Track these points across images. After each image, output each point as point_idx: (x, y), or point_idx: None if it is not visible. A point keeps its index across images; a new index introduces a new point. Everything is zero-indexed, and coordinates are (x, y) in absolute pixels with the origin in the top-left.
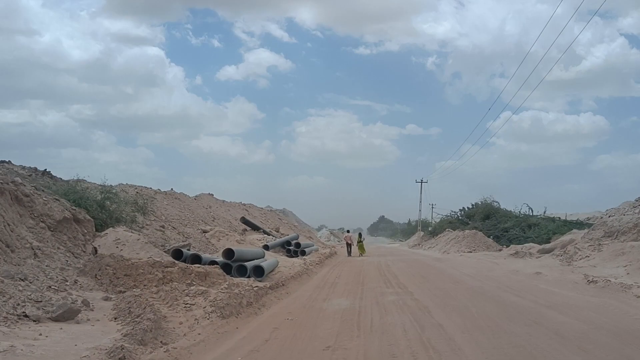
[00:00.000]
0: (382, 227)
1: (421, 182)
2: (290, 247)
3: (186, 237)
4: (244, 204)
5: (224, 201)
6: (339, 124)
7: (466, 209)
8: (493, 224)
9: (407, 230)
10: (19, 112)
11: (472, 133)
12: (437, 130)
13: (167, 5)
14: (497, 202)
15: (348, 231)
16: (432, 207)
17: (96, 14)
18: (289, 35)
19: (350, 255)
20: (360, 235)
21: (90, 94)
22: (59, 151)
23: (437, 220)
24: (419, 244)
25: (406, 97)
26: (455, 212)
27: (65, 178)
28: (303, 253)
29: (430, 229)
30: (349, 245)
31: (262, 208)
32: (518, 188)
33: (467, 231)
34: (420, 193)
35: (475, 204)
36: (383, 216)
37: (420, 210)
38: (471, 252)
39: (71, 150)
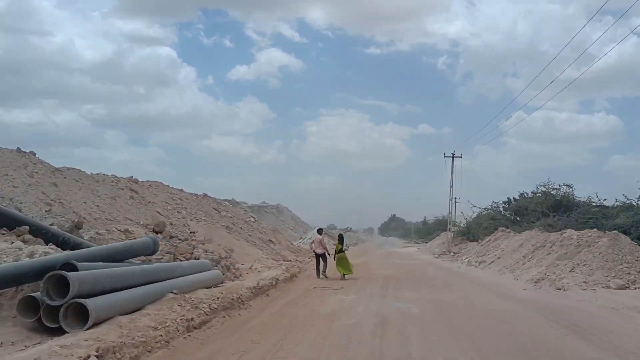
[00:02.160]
0: (394, 226)
1: (452, 157)
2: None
3: None
4: (134, 179)
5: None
6: (350, 124)
7: (512, 199)
8: (587, 218)
9: (423, 230)
10: (32, 111)
11: (484, 133)
12: (448, 130)
13: (179, 6)
14: (570, 185)
15: (320, 231)
16: (456, 202)
17: (108, 14)
18: (300, 35)
19: (323, 276)
20: (341, 239)
21: (102, 94)
22: (71, 150)
23: (466, 216)
24: (448, 251)
25: (418, 97)
26: (496, 203)
27: None
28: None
29: (461, 226)
30: (319, 258)
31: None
32: (530, 188)
33: (576, 234)
34: (452, 173)
35: (522, 194)
36: (394, 215)
37: (452, 200)
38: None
39: (84, 150)
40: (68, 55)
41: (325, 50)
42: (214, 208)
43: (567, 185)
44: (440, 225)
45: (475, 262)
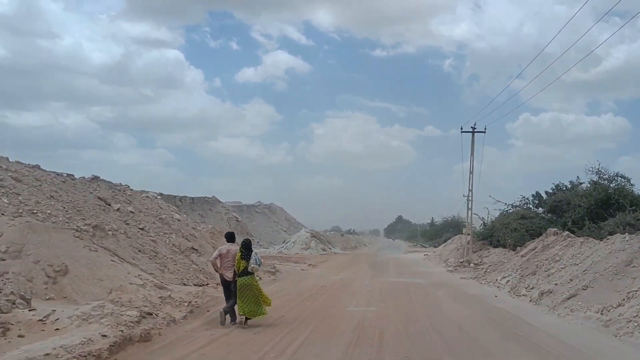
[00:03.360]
0: (400, 228)
1: (472, 132)
2: None
3: None
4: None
5: None
6: (357, 126)
7: (543, 195)
8: None
9: (430, 233)
10: (40, 114)
11: (491, 135)
12: (455, 132)
13: (186, 8)
14: (626, 177)
15: (230, 237)
16: (468, 201)
17: (116, 17)
18: (306, 38)
19: (237, 322)
20: (245, 247)
21: (110, 96)
22: (79, 152)
23: (481, 216)
24: (467, 261)
25: (424, 98)
26: (525, 198)
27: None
28: None
29: (479, 228)
30: (226, 284)
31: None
32: (535, 189)
33: None
34: (471, 154)
35: (557, 185)
36: (400, 216)
37: (471, 191)
38: None
39: (92, 152)
40: (76, 58)
41: (331, 52)
42: (98, 197)
43: (622, 176)
44: (450, 227)
45: (526, 289)
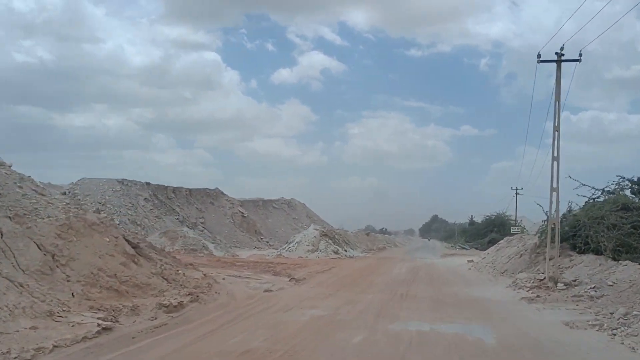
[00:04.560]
0: (436, 227)
1: (558, 62)
2: None
3: None
4: None
5: None
6: (392, 126)
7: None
8: None
9: (470, 233)
10: (84, 115)
11: (529, 134)
12: (492, 132)
13: (224, 11)
14: None
15: None
16: (517, 194)
17: (155, 21)
18: (341, 38)
19: None
20: None
21: (150, 98)
22: (121, 153)
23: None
24: (554, 283)
25: (460, 98)
26: (623, 179)
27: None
28: None
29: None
30: None
31: None
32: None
33: None
34: (556, 100)
35: None
36: (436, 215)
37: (556, 159)
38: None
39: (133, 152)
40: (118, 62)
41: (366, 52)
42: None
43: None
44: (493, 226)
45: None
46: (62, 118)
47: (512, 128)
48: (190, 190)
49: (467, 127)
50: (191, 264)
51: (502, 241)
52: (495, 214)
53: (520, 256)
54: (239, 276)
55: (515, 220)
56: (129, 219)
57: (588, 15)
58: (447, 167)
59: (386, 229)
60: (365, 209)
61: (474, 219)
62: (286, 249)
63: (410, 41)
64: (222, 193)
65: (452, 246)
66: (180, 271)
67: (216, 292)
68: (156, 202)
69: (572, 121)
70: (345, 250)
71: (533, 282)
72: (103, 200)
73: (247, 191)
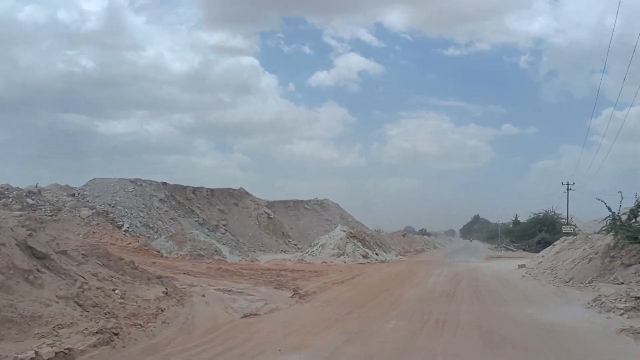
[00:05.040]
0: (477, 228)
1: None
2: None
3: None
4: None
5: None
6: (431, 126)
7: None
8: None
9: (517, 232)
10: (126, 121)
11: (572, 132)
12: (533, 130)
13: (261, 15)
14: None
15: None
16: (568, 189)
17: (194, 28)
18: (378, 40)
19: None
20: None
21: (190, 103)
22: (162, 158)
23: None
24: None
25: (500, 97)
26: None
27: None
28: None
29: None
30: None
31: None
32: (628, 191)
33: None
34: None
35: None
36: (478, 216)
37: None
38: None
39: (174, 157)
40: (158, 68)
41: (403, 53)
42: None
43: None
44: (540, 224)
45: None
46: (105, 125)
47: (554, 126)
48: (212, 190)
49: (508, 126)
50: (160, 277)
51: (558, 242)
52: (543, 213)
53: (589, 261)
54: (230, 290)
55: (567, 218)
56: (140, 222)
57: (634, 9)
58: (487, 167)
59: (425, 230)
60: (404, 211)
61: (518, 219)
62: (309, 252)
63: (448, 40)
64: (247, 193)
65: (496, 247)
66: (117, 291)
67: (164, 323)
68: (173, 203)
69: (617, 118)
70: (377, 254)
71: (626, 301)
72: (113, 202)
73: (286, 194)
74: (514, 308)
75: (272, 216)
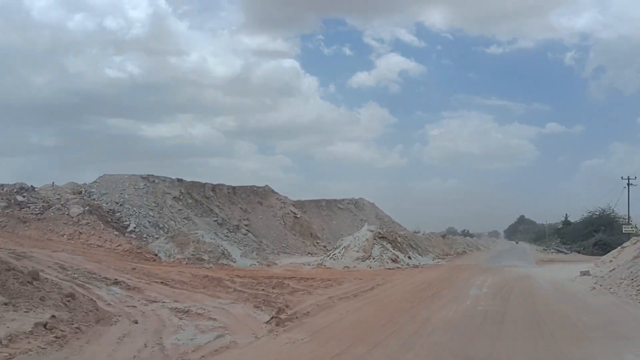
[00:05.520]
0: (522, 229)
1: None
2: None
3: None
4: None
5: None
6: (473, 125)
7: None
8: None
9: (569, 233)
10: (171, 125)
11: (621, 130)
12: (580, 128)
13: (301, 18)
14: None
15: None
16: (629, 184)
17: (236, 32)
18: (418, 40)
19: None
20: None
21: (232, 107)
22: (206, 160)
23: None
24: None
25: (545, 94)
26: None
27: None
28: None
29: None
30: None
31: None
32: None
33: None
34: None
35: None
36: (523, 216)
37: None
38: None
39: (217, 159)
40: (201, 72)
41: (444, 52)
42: None
43: None
44: (596, 224)
45: None
46: (151, 129)
47: (603, 124)
48: (233, 187)
49: (554, 125)
50: (70, 295)
51: (627, 243)
52: (600, 211)
53: None
54: (189, 311)
55: (628, 217)
56: (149, 221)
57: None
58: (532, 166)
59: (468, 231)
60: (446, 212)
61: (569, 219)
62: (331, 256)
63: (489, 38)
64: (273, 191)
65: (545, 249)
66: None
67: None
68: (190, 201)
69: None
70: (410, 257)
71: None
72: (121, 199)
73: (327, 196)
74: (602, 349)
75: (298, 215)
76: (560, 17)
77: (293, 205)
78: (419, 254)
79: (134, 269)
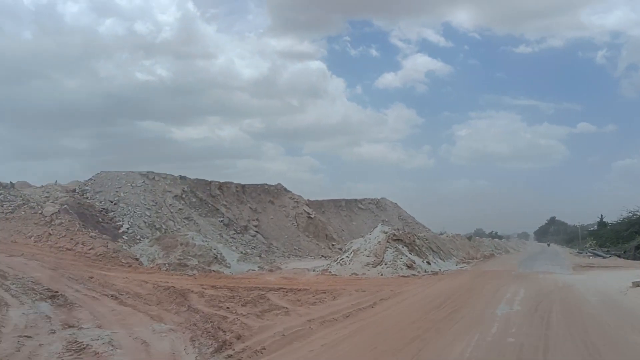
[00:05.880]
0: (553, 230)
1: None
2: None
3: None
4: None
5: None
6: (501, 126)
7: None
8: None
9: (606, 235)
10: (199, 128)
11: None
12: (612, 128)
13: (328, 20)
14: None
15: None
16: None
17: (263, 34)
18: (445, 40)
19: None
20: None
21: (259, 109)
22: (234, 162)
23: None
24: None
25: (575, 94)
26: None
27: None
28: None
29: None
30: None
31: None
32: None
33: None
34: None
35: None
36: (554, 217)
37: None
38: None
39: (245, 161)
40: (229, 75)
41: (472, 52)
42: None
43: None
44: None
45: None
46: (180, 131)
47: (636, 123)
48: (243, 186)
49: (585, 124)
50: None
51: None
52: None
53: None
54: (84, 348)
55: None
56: (145, 221)
57: None
58: (562, 167)
59: (496, 233)
60: (474, 213)
61: (604, 220)
62: (339, 261)
63: (518, 38)
64: (285, 190)
65: (580, 252)
66: None
67: None
68: (194, 200)
69: None
70: (429, 263)
71: None
72: (116, 198)
73: (356, 196)
74: None
75: (312, 216)
76: (591, 15)
77: (307, 205)
78: (441, 258)
79: (91, 277)
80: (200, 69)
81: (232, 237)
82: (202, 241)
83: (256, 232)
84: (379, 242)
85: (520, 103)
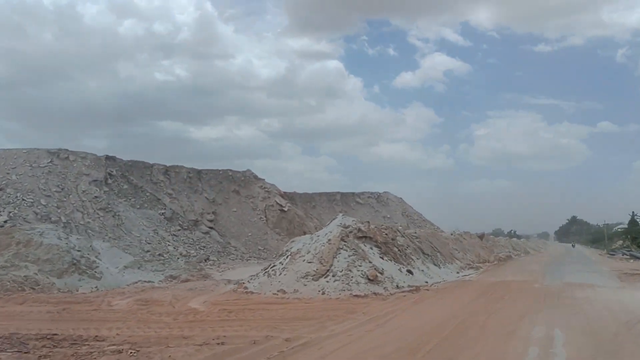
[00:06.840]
0: (575, 230)
1: None
2: None
3: None
4: None
5: None
6: (521, 125)
7: None
8: None
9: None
10: (217, 127)
11: None
12: (635, 127)
13: (345, 19)
14: None
15: None
16: None
17: (280, 34)
18: (464, 39)
19: None
20: None
21: (277, 108)
22: (252, 162)
23: None
24: None
25: (596, 93)
26: None
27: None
28: None
29: None
30: None
31: None
32: None
33: None
34: None
35: None
36: (575, 217)
37: None
38: None
39: (263, 161)
40: (247, 75)
41: (491, 51)
42: None
43: None
44: None
45: None
46: (198, 131)
47: None
48: (198, 171)
49: (606, 124)
50: None
51: None
52: None
53: None
54: None
55: None
56: (37, 211)
57: None
58: (583, 166)
59: (515, 232)
60: (493, 212)
61: (636, 218)
62: (268, 269)
63: (537, 36)
64: (256, 177)
65: (611, 253)
66: None
67: None
68: (125, 187)
69: None
70: (409, 272)
71: None
72: (4, 181)
73: None
74: None
75: (285, 209)
76: (612, 13)
77: (281, 196)
78: (435, 264)
79: None
80: (218, 69)
81: (174, 235)
82: (59, 239)
83: (210, 228)
84: (329, 240)
85: (540, 102)
